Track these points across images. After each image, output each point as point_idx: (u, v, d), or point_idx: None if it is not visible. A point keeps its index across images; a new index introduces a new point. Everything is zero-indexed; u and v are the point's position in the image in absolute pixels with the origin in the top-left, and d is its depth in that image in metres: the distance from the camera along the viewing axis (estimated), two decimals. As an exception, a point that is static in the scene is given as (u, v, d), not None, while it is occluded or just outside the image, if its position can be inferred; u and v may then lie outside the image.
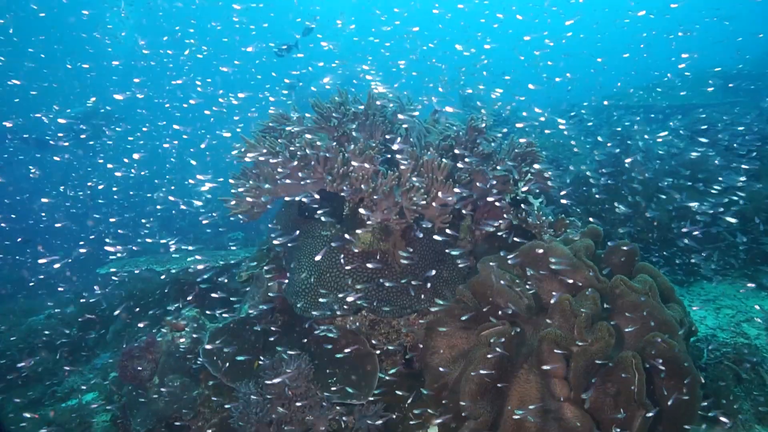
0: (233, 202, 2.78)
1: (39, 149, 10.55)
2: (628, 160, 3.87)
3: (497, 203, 2.85)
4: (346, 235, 2.74)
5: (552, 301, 2.26)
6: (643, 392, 1.99)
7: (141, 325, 3.75)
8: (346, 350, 2.65)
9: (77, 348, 4.56)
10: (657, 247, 3.98)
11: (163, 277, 4.26)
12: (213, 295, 3.22)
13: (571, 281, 2.38)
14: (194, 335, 3.03)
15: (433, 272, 2.62)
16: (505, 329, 2.21)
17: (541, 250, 2.46)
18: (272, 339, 2.95)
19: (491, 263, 2.47)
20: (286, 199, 2.86)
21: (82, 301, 5.04)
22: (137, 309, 4.31)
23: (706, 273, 3.85)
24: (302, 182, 2.71)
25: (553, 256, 2.42)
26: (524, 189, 2.88)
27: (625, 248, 2.56)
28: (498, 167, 2.80)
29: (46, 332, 4.58)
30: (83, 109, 9.83)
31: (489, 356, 2.13)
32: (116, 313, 4.37)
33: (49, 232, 9.88)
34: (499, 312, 2.37)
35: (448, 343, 2.53)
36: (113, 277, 4.79)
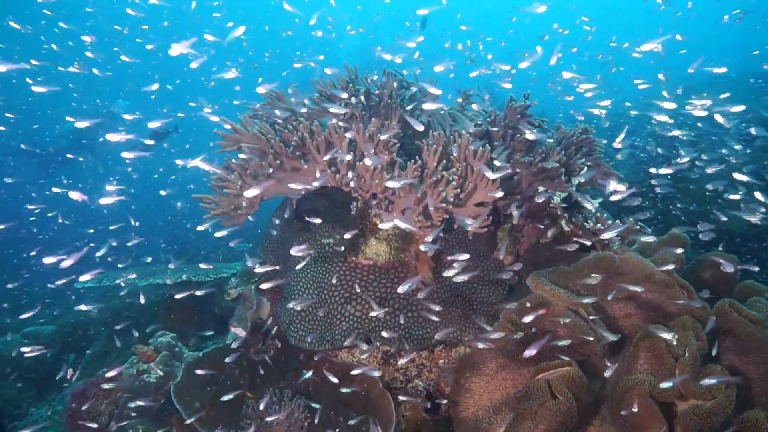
0: (212, 202, 2.21)
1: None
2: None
3: (546, 204, 2.25)
4: (353, 244, 2.16)
5: (637, 334, 1.64)
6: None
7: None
8: (352, 390, 2.05)
9: (49, 374, 3.98)
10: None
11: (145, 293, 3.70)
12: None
13: (657, 305, 1.76)
14: (165, 367, 2.44)
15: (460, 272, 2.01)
16: (572, 372, 1.60)
17: (612, 263, 1.85)
18: (261, 373, 2.36)
19: (547, 279, 1.86)
20: (280, 196, 2.30)
21: (59, 319, 4.48)
22: (117, 328, 3.74)
23: None
24: (299, 176, 2.14)
25: (631, 270, 1.81)
26: (579, 185, 2.28)
27: (720, 261, 1.93)
28: (546, 158, 2.20)
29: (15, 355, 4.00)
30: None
31: (553, 410, 1.51)
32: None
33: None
34: (559, 344, 1.76)
35: (488, 386, 1.90)
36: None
